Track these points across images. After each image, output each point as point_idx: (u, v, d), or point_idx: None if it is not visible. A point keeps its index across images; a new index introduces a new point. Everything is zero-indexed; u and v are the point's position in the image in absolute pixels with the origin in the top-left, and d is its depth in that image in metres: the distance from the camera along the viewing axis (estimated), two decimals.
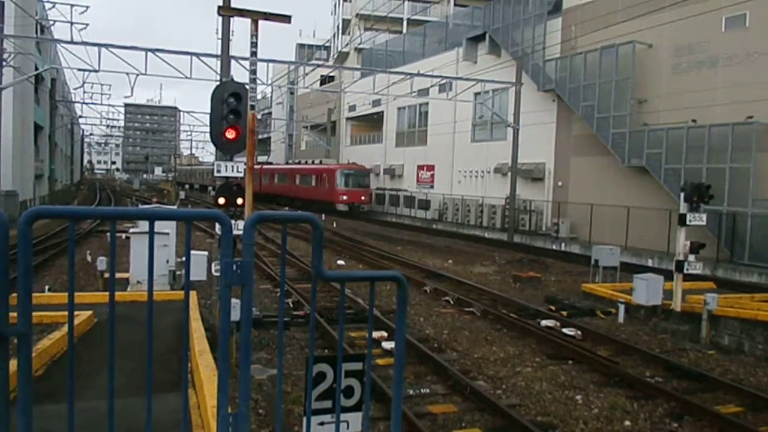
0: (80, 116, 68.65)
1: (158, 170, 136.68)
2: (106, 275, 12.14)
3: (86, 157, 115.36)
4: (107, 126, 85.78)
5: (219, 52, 16.87)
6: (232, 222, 4.30)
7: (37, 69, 32.43)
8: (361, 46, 52.70)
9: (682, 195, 12.31)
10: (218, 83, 12.45)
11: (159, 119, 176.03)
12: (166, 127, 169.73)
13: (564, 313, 12.97)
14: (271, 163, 57.97)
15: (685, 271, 12.07)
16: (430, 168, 38.67)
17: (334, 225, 31.72)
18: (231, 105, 8.62)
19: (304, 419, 2.38)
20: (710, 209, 15.66)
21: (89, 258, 16.56)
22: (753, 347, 10.79)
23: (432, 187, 37.93)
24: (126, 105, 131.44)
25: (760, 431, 6.84)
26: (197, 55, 23.55)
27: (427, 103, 38.46)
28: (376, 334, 10.22)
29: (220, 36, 16.21)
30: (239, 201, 9.01)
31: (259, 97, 73.25)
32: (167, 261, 11.50)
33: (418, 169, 39.94)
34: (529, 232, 28.24)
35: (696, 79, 21.76)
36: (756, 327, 10.98)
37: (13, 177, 30.61)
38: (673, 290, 12.19)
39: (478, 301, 13.55)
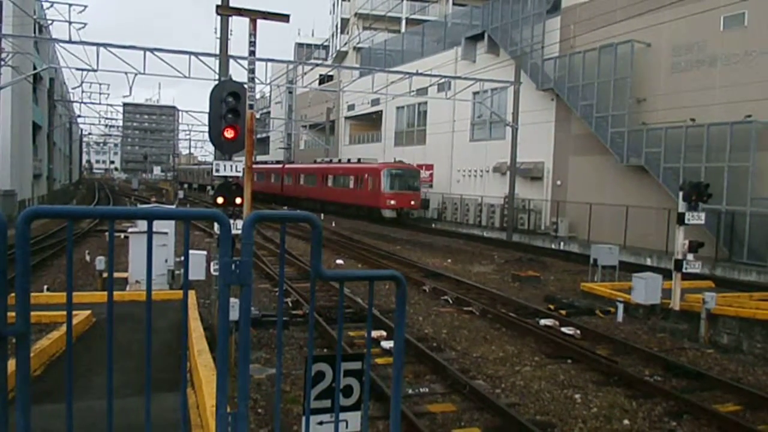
0: (79, 116, 68.48)
1: (157, 170, 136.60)
2: (105, 275, 12.11)
3: (85, 157, 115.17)
4: (106, 125, 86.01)
5: (218, 52, 16.87)
6: (231, 221, 4.30)
7: (35, 68, 32.39)
8: (359, 45, 52.74)
9: (680, 194, 12.32)
10: (217, 82, 12.43)
11: (158, 119, 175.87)
12: (164, 126, 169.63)
13: (563, 312, 12.97)
14: (292, 162, 52.57)
15: (683, 270, 12.08)
16: (429, 167, 38.62)
17: (333, 224, 31.71)
18: (230, 104, 8.59)
19: (303, 418, 2.38)
20: (709, 208, 15.67)
21: (88, 257, 16.55)
22: (751, 346, 10.82)
23: (431, 186, 37.89)
24: (124, 104, 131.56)
25: (758, 430, 6.84)
26: (196, 54, 23.57)
27: (425, 103, 38.42)
28: (375, 334, 10.22)
29: (218, 35, 16.20)
30: (238, 200, 9.00)
31: (257, 96, 73.30)
32: (166, 260, 11.48)
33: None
34: (528, 231, 28.25)
35: (695, 78, 21.76)
36: (754, 326, 11.02)
37: (12, 176, 30.53)
38: (671, 289, 12.20)
39: (477, 301, 13.54)
